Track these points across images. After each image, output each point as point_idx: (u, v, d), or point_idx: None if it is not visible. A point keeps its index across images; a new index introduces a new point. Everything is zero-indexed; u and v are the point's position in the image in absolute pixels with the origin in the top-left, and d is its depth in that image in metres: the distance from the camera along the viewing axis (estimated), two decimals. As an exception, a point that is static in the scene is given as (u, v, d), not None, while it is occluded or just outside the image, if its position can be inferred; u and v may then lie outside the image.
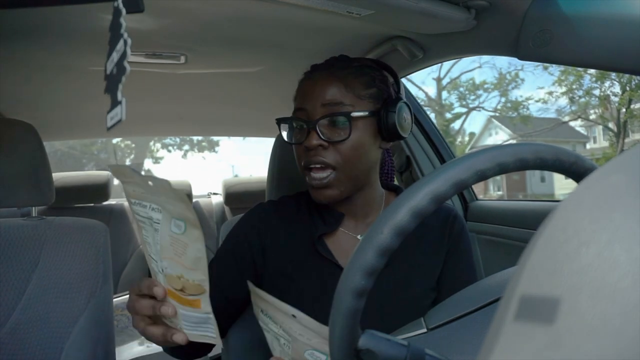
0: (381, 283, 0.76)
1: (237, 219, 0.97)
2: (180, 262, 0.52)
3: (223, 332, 0.82)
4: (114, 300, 1.04)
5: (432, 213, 0.90)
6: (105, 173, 2.49)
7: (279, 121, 0.81)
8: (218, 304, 0.76)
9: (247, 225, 0.83)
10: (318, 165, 0.75)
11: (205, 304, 0.54)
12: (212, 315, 0.55)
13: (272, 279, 0.80)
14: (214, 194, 2.78)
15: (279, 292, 0.76)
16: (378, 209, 0.84)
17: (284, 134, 0.81)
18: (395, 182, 1.56)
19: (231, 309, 0.81)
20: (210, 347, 0.78)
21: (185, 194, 0.49)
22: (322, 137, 0.73)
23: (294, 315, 0.53)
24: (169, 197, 0.49)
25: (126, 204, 2.60)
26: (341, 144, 0.74)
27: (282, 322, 0.55)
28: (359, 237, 0.82)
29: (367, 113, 0.75)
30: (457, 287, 0.68)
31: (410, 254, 0.79)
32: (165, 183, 0.48)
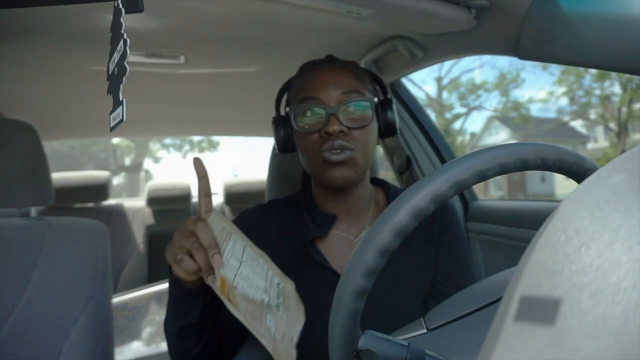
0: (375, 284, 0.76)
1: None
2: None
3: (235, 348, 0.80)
4: (114, 300, 1.03)
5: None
6: (105, 173, 2.49)
7: (292, 109, 0.77)
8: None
9: None
10: (338, 150, 0.73)
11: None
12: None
13: None
14: (214, 194, 2.78)
15: None
16: (368, 208, 0.82)
17: (294, 123, 0.77)
18: (398, 183, 1.57)
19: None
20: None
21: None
22: (342, 123, 0.72)
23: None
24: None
25: (126, 204, 2.60)
26: (361, 130, 0.74)
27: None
28: (354, 239, 0.79)
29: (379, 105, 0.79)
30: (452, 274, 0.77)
31: (402, 253, 0.76)
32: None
